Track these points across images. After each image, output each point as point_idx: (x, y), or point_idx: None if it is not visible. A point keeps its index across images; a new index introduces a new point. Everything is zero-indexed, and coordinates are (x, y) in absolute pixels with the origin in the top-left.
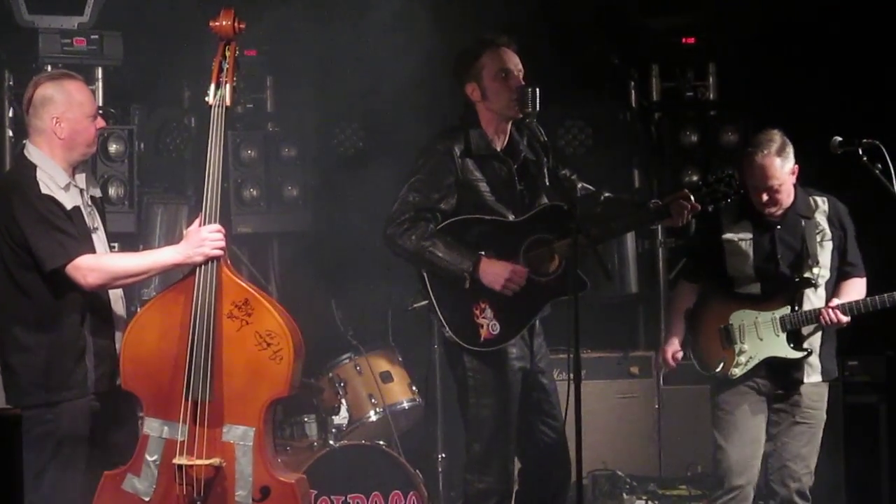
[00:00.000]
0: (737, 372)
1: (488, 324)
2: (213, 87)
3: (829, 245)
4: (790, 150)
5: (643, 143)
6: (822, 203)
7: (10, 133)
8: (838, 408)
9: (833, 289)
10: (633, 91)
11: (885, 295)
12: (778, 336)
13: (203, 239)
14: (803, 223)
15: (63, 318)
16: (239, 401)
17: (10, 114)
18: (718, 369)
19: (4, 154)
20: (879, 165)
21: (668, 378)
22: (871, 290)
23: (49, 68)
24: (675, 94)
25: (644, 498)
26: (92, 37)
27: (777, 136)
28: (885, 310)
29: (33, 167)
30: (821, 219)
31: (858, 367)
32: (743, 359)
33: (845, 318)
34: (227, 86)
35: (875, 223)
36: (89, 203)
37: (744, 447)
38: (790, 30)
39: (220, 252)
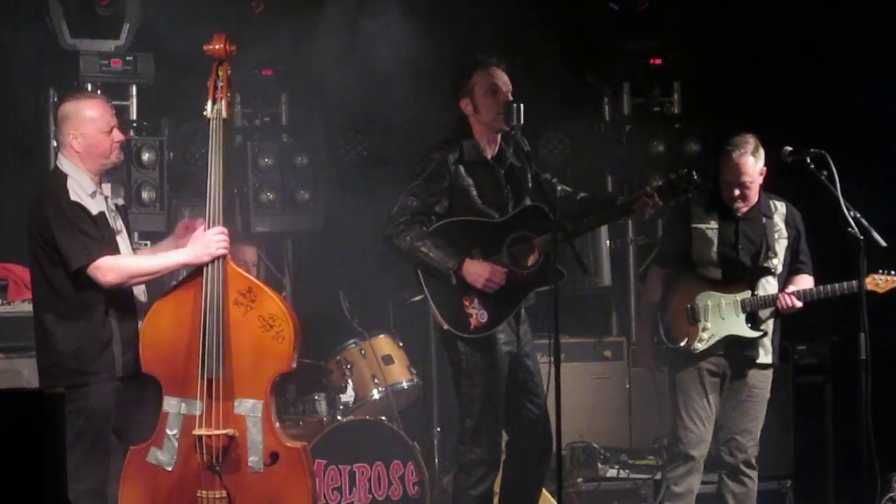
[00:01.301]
0: (700, 346)
1: (477, 313)
2: (209, 103)
3: (784, 243)
4: (762, 152)
5: (615, 153)
6: (781, 206)
7: (55, 143)
8: (789, 387)
9: (784, 282)
10: (606, 106)
11: (836, 284)
12: (738, 317)
13: (209, 241)
14: (764, 221)
15: (88, 310)
16: (248, 377)
17: (54, 127)
18: (683, 343)
19: (49, 163)
20: (825, 173)
21: (638, 361)
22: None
23: (88, 86)
24: (643, 109)
25: (616, 467)
26: (127, 58)
27: (751, 139)
28: (834, 298)
29: (65, 176)
30: (778, 219)
31: (807, 350)
32: (706, 335)
33: (799, 303)
34: (223, 101)
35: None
36: (113, 209)
37: (699, 423)
38: (746, 51)
39: (224, 251)
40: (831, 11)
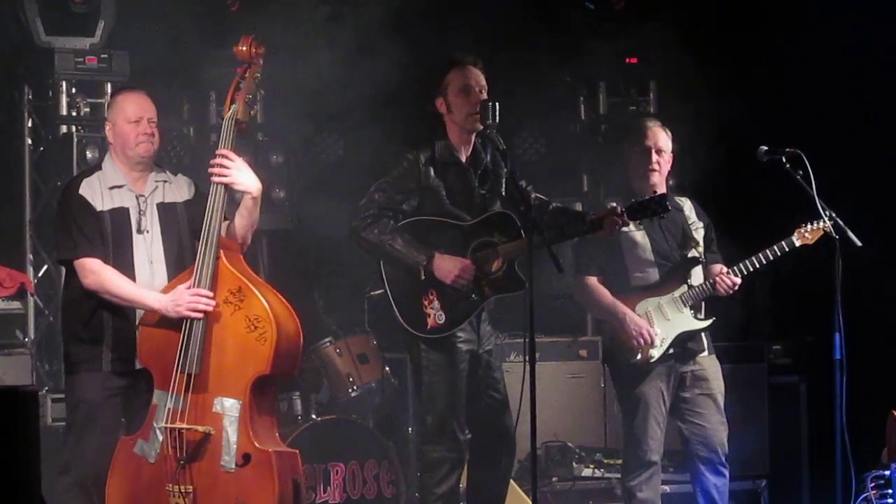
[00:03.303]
0: (655, 354)
1: (435, 314)
2: (228, 101)
3: (701, 232)
4: (671, 136)
5: (591, 152)
6: (684, 201)
7: (29, 141)
8: (764, 386)
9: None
10: (582, 105)
11: (768, 249)
12: (682, 312)
13: (181, 300)
14: (677, 214)
15: (82, 302)
16: (228, 376)
17: (30, 124)
18: (639, 357)
19: (24, 161)
20: (801, 172)
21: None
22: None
23: (63, 84)
24: (619, 108)
25: (591, 466)
26: (102, 56)
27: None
28: (770, 262)
29: (93, 169)
30: (689, 212)
31: (781, 350)
32: (658, 341)
33: (737, 279)
34: (240, 102)
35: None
36: (145, 207)
37: (659, 430)
38: (721, 50)
39: (194, 315)
40: (809, 10)
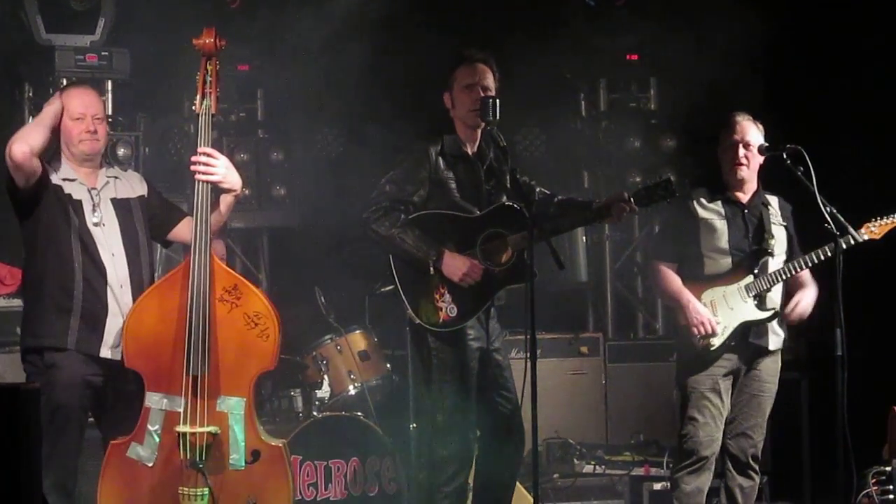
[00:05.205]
0: (715, 342)
1: (447, 307)
2: (198, 98)
3: (783, 231)
4: (762, 130)
5: (592, 148)
6: (774, 200)
7: None
8: None
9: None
10: (583, 102)
11: (813, 253)
12: (746, 302)
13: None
14: (762, 207)
15: (52, 278)
16: (231, 374)
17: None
18: (699, 344)
19: None
20: (801, 168)
21: (613, 357)
22: None
23: (64, 81)
24: (620, 105)
25: (593, 463)
26: (102, 53)
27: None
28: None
29: (49, 159)
30: (776, 209)
31: (783, 346)
32: (719, 329)
33: (804, 311)
34: (212, 96)
35: None
36: (97, 200)
37: (711, 422)
38: (720, 47)
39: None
40: (807, 6)
